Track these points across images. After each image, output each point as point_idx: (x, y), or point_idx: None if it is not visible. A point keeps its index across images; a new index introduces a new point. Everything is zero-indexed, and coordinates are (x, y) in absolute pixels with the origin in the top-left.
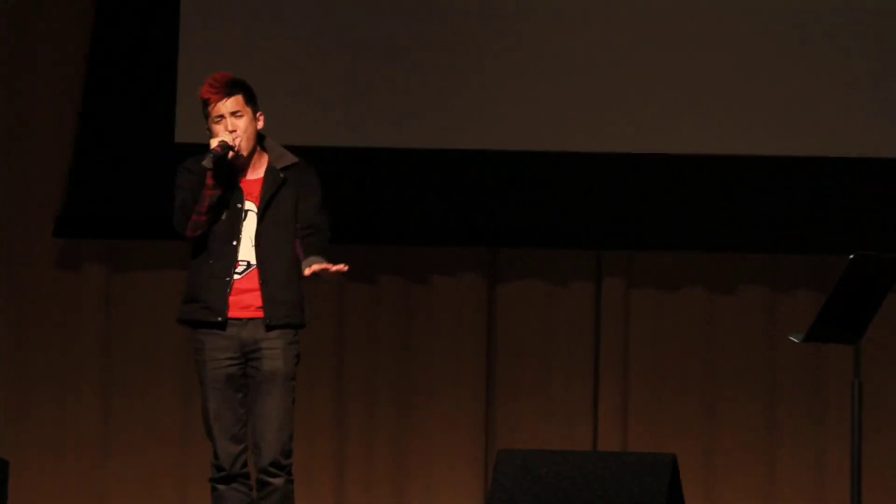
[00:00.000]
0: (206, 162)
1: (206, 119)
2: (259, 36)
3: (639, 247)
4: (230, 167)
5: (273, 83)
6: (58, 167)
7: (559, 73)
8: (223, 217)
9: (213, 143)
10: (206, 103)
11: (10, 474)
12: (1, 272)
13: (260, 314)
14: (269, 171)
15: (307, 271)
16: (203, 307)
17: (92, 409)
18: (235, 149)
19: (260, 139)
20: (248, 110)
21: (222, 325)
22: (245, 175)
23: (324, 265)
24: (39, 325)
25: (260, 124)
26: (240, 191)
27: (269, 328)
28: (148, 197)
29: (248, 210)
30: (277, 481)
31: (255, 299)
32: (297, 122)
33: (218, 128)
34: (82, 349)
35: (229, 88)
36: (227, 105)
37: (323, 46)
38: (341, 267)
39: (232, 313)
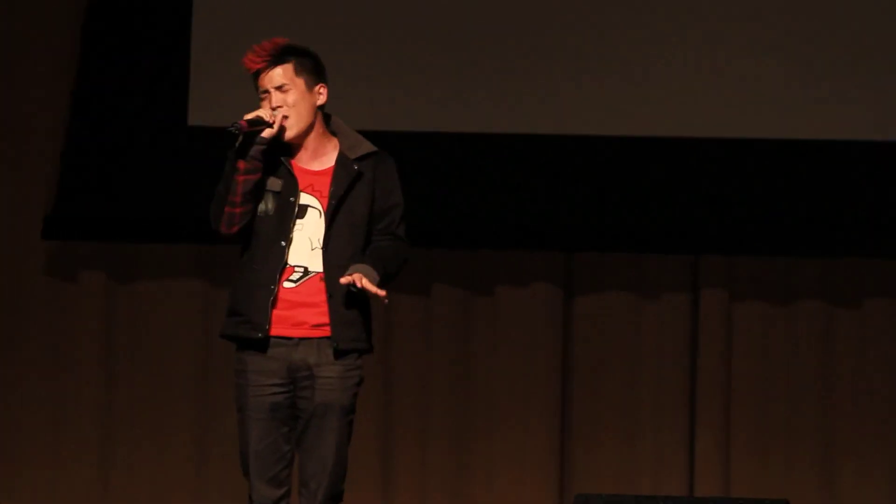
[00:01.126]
0: (236, 142)
1: (256, 93)
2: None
3: (743, 251)
4: (279, 147)
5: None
6: (47, 157)
7: (648, 52)
8: (270, 212)
9: (246, 116)
10: (252, 76)
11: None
12: None
13: (316, 333)
14: (341, 161)
15: (343, 279)
16: (243, 321)
17: (90, 442)
18: (274, 126)
19: (326, 119)
20: (300, 82)
21: (263, 344)
22: (302, 161)
23: (361, 280)
24: (29, 342)
25: (321, 99)
26: (293, 180)
27: (335, 353)
28: (155, 190)
29: (307, 206)
30: None
31: (311, 315)
32: (331, 104)
33: (264, 103)
34: (79, 370)
35: (276, 57)
36: (273, 77)
37: (360, 21)
38: (380, 293)
39: (280, 331)
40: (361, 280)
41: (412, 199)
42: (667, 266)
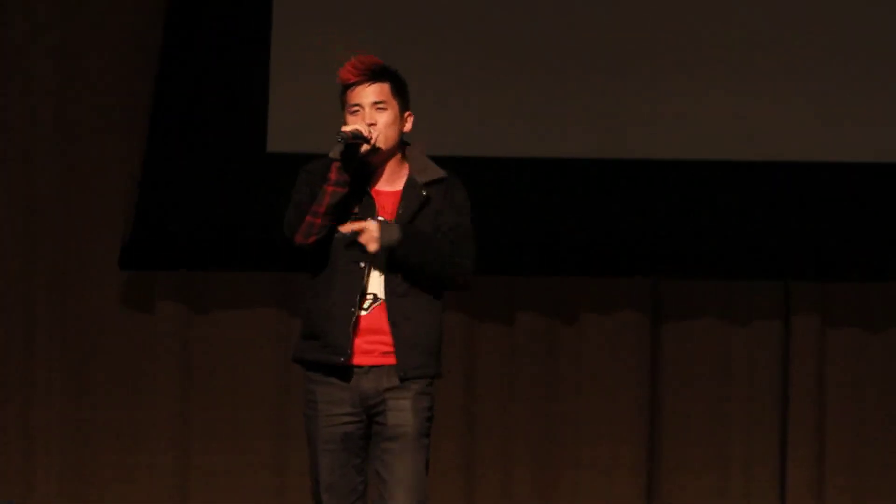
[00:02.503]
0: (333, 151)
1: (342, 108)
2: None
3: (836, 277)
4: (360, 167)
5: None
6: (124, 185)
7: (733, 76)
8: (350, 234)
9: (345, 129)
10: (344, 88)
11: None
12: (58, 312)
13: (385, 361)
14: (410, 184)
15: (346, 226)
16: (323, 345)
17: (167, 477)
18: (371, 142)
19: (402, 146)
20: (395, 104)
21: (344, 372)
22: (379, 185)
23: (364, 227)
24: (104, 377)
25: (407, 126)
26: (371, 202)
27: (401, 379)
28: (232, 219)
29: None
30: None
31: (381, 343)
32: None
33: (353, 119)
34: (156, 404)
35: (375, 74)
36: (369, 93)
37: (439, 47)
38: (356, 226)
39: (354, 359)
40: (365, 228)
41: (494, 225)
42: (757, 292)
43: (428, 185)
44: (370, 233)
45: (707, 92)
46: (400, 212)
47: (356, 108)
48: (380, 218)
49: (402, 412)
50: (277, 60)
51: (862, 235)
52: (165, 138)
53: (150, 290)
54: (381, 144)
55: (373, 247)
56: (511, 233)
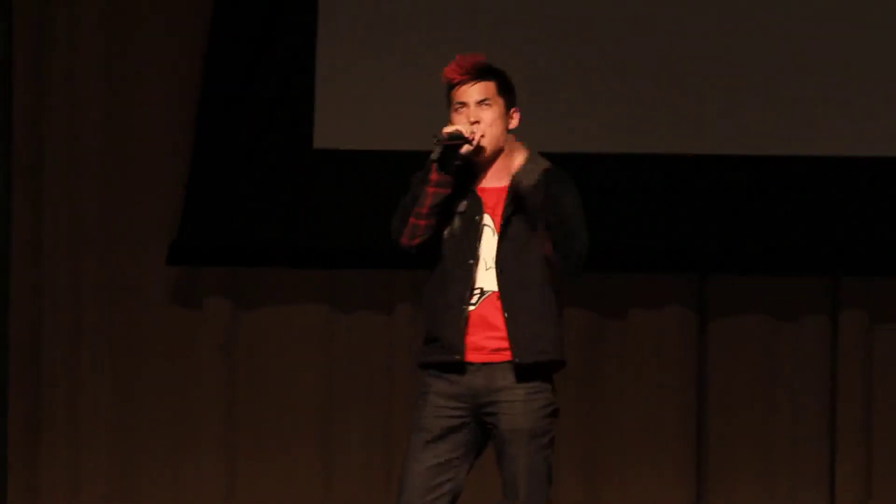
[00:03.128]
0: (434, 153)
1: (447, 106)
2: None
3: (884, 272)
4: (466, 167)
5: (433, 71)
6: (172, 182)
7: (785, 71)
8: (457, 230)
9: (446, 130)
10: (449, 86)
11: None
12: (106, 308)
13: (496, 358)
14: (516, 180)
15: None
16: (439, 346)
17: (214, 474)
18: (473, 142)
19: (509, 142)
20: (500, 101)
21: (459, 368)
22: (483, 181)
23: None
24: (151, 373)
25: (513, 123)
26: (478, 200)
27: (517, 369)
28: (282, 215)
29: (486, 225)
30: None
31: (490, 340)
32: None
33: (458, 117)
34: (202, 400)
35: (480, 73)
36: (474, 91)
37: (486, 40)
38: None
39: (467, 356)
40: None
41: None
42: (804, 288)
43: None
44: (524, 171)
45: (753, 87)
46: (504, 208)
47: (460, 106)
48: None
49: (514, 414)
50: (324, 56)
51: None
52: (213, 135)
53: (198, 286)
54: (486, 144)
55: (529, 181)
56: None
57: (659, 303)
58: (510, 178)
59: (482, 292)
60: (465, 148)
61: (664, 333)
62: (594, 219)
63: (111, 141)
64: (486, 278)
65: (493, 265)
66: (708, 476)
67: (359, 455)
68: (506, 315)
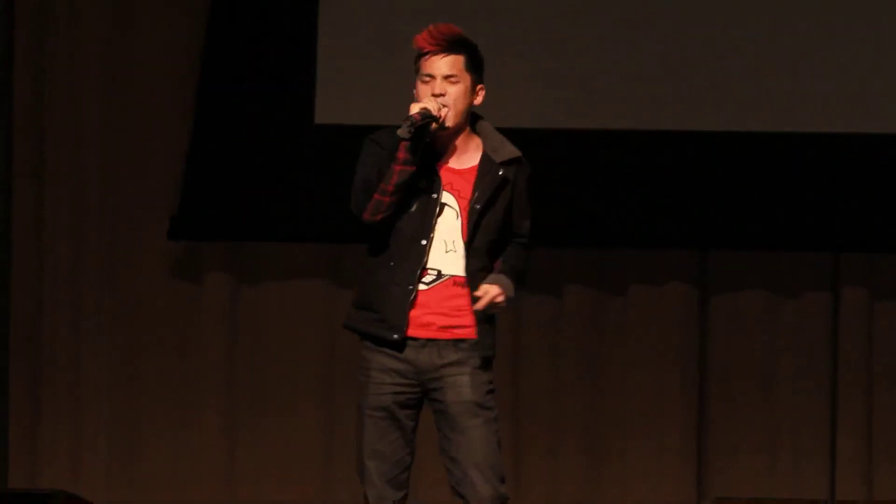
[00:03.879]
0: (402, 131)
1: (414, 73)
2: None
3: (885, 248)
4: (429, 144)
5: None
6: (173, 156)
7: (782, 48)
8: (412, 208)
9: (414, 108)
10: (418, 54)
11: None
12: (108, 283)
13: (443, 335)
14: (486, 163)
15: (479, 304)
16: (378, 319)
17: (216, 441)
18: (440, 120)
19: (473, 119)
20: (468, 77)
21: (398, 346)
22: (443, 158)
23: (490, 299)
24: (154, 346)
25: (478, 100)
26: (437, 177)
27: (483, 361)
28: (283, 189)
29: (445, 204)
30: None
31: (439, 318)
32: None
33: (424, 88)
34: (204, 372)
35: (451, 45)
36: (442, 65)
37: (483, 18)
38: (498, 300)
39: (409, 331)
40: (493, 298)
41: (544, 197)
42: (805, 264)
43: (504, 164)
44: (497, 298)
45: (754, 64)
46: (477, 193)
47: (428, 77)
48: (491, 279)
49: (462, 387)
50: (325, 32)
51: None
52: (213, 111)
53: (199, 261)
54: (450, 122)
55: (501, 303)
56: (558, 205)
57: (660, 279)
58: (483, 293)
59: (439, 274)
60: (434, 126)
61: (666, 309)
62: (595, 196)
63: (112, 117)
64: (446, 261)
65: (456, 249)
66: (709, 450)
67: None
68: (473, 302)
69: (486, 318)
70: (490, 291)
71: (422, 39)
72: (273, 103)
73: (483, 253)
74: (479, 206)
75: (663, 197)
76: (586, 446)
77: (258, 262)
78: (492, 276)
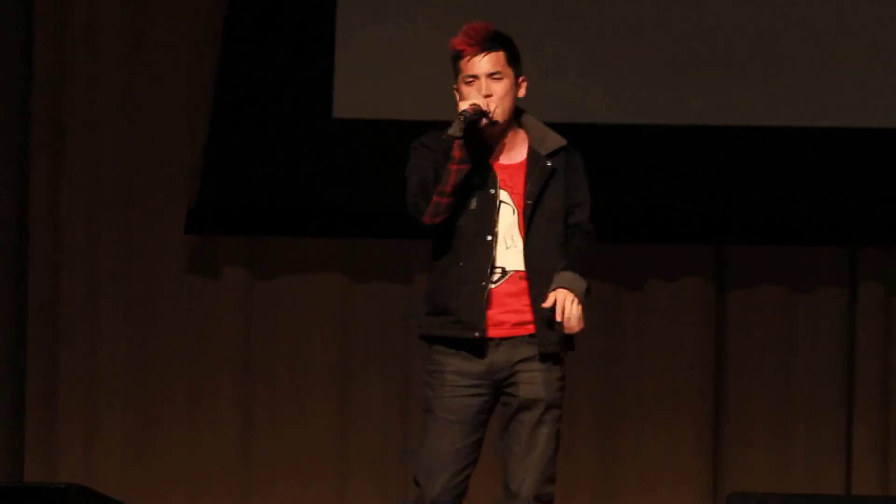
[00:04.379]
0: (454, 129)
1: (454, 76)
2: None
3: None
4: (480, 140)
5: (444, 44)
6: (189, 149)
7: (795, 43)
8: (472, 206)
9: (464, 104)
10: (457, 56)
11: None
12: (124, 276)
13: (517, 332)
14: (533, 156)
15: (548, 301)
16: (453, 322)
17: (230, 436)
18: (490, 116)
19: (517, 113)
20: (510, 72)
21: (477, 346)
22: (495, 155)
23: (562, 307)
24: (169, 339)
25: (521, 92)
26: (492, 173)
27: (542, 357)
28: (299, 183)
29: (503, 202)
30: None
31: (512, 315)
32: None
33: (468, 90)
34: (219, 367)
35: (489, 43)
36: (484, 63)
37: (503, 11)
38: (575, 326)
39: (487, 331)
40: (564, 306)
41: None
42: (822, 259)
43: (550, 155)
44: (571, 309)
45: (770, 58)
46: (529, 187)
47: (471, 78)
48: (559, 281)
49: (534, 384)
50: (343, 26)
51: None
52: (231, 105)
53: (215, 255)
54: (499, 117)
55: (577, 324)
56: None
57: (677, 273)
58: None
59: (504, 272)
60: (483, 122)
61: (682, 303)
62: (612, 191)
63: (130, 113)
64: (508, 257)
65: (515, 245)
66: (725, 443)
67: (376, 416)
68: (532, 299)
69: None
70: (557, 298)
71: (459, 42)
72: (291, 98)
73: (541, 246)
74: (531, 201)
75: (680, 191)
76: (603, 437)
77: (274, 256)
78: (556, 278)
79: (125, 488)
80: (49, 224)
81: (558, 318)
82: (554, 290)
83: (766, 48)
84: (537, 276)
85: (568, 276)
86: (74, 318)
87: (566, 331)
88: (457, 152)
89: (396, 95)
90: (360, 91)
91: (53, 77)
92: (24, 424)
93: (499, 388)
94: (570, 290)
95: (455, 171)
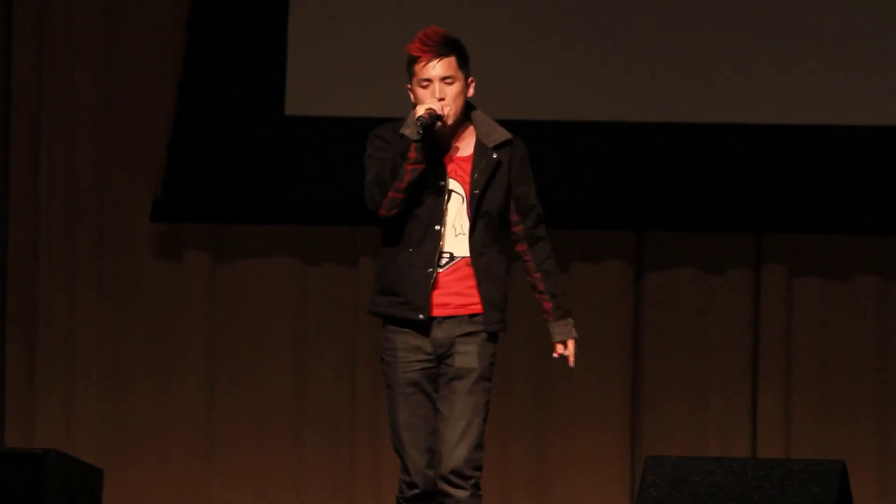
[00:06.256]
0: (411, 132)
1: (409, 77)
2: None
3: (802, 229)
4: (433, 139)
5: (396, 43)
6: (155, 144)
7: (717, 42)
8: (423, 197)
9: (420, 109)
10: (412, 61)
11: (106, 480)
12: (94, 261)
13: (459, 312)
14: (480, 149)
15: (557, 351)
16: (402, 302)
17: (196, 408)
18: (444, 119)
19: (466, 108)
20: (461, 75)
21: (423, 325)
22: (448, 150)
23: (570, 355)
24: (138, 320)
25: (471, 92)
26: (442, 167)
27: (491, 335)
28: (256, 176)
29: (452, 191)
30: (459, 493)
31: (456, 297)
32: None
33: (424, 93)
34: (185, 346)
35: (442, 48)
36: (438, 68)
37: (441, 11)
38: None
39: (431, 311)
40: (569, 356)
41: None
42: (731, 244)
43: (496, 147)
44: (572, 354)
45: (682, 57)
46: (476, 178)
47: (426, 82)
48: (565, 332)
49: (469, 356)
50: (295, 27)
51: (829, 187)
52: (192, 103)
53: (179, 241)
54: (452, 119)
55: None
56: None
57: (600, 256)
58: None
59: (452, 257)
60: (438, 125)
61: (605, 283)
62: (546, 181)
63: (101, 112)
64: (456, 244)
65: (464, 232)
66: (644, 407)
67: (327, 394)
68: (478, 281)
69: (497, 288)
70: (569, 348)
71: (414, 48)
72: (246, 97)
73: (485, 233)
74: (477, 191)
75: (602, 183)
76: (533, 405)
77: (234, 242)
78: (558, 328)
79: (99, 452)
80: (29, 213)
81: (571, 364)
82: (562, 341)
83: (688, 45)
84: (482, 260)
85: (568, 325)
86: (52, 298)
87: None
88: (412, 153)
89: (344, 94)
90: (310, 90)
91: (32, 81)
92: (4, 396)
93: (439, 359)
94: (574, 339)
95: (410, 171)
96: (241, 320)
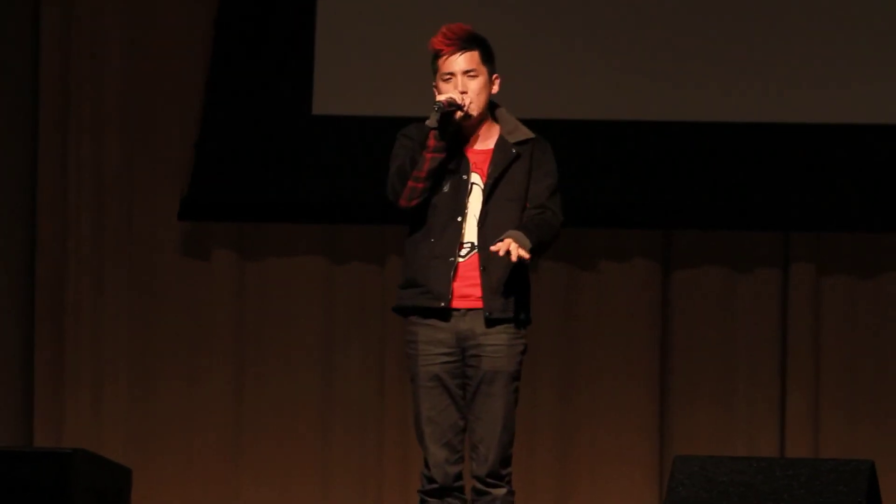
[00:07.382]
0: (430, 120)
1: (433, 74)
2: None
3: (830, 228)
4: (456, 131)
5: (423, 42)
6: (183, 143)
7: (758, 41)
8: (445, 189)
9: (440, 98)
10: (435, 56)
11: (134, 481)
12: (122, 260)
13: (480, 304)
14: (500, 143)
15: (493, 247)
16: (423, 292)
17: (224, 407)
18: (464, 109)
19: (492, 107)
20: (484, 70)
21: (444, 314)
22: (471, 145)
23: (510, 245)
24: (165, 319)
25: (495, 88)
26: (466, 160)
27: (488, 322)
28: (283, 174)
29: (473, 184)
30: (497, 492)
31: (476, 288)
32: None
33: (446, 86)
34: (212, 344)
35: (465, 43)
36: (461, 62)
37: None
38: (525, 255)
39: (453, 302)
40: (510, 245)
41: None
42: (759, 242)
43: (517, 144)
44: (515, 246)
45: (715, 56)
46: (491, 168)
47: (448, 76)
48: (508, 232)
49: (497, 357)
50: (323, 26)
51: (857, 187)
52: (220, 102)
53: (207, 239)
54: (473, 111)
55: (523, 253)
56: None
57: (628, 255)
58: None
59: (473, 246)
60: (458, 114)
61: (632, 282)
62: (571, 180)
63: (129, 111)
64: (476, 234)
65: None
66: (672, 406)
67: (352, 391)
68: (482, 268)
69: (509, 276)
70: (503, 244)
71: (437, 41)
72: (274, 95)
73: (498, 223)
74: (491, 181)
75: (631, 181)
76: (560, 406)
77: (261, 241)
78: (506, 233)
79: (127, 449)
80: (57, 212)
81: (501, 254)
82: (502, 239)
83: (710, 47)
84: (487, 250)
85: (514, 232)
86: (80, 297)
87: (512, 258)
88: (431, 141)
89: (371, 93)
90: (337, 89)
91: (60, 79)
92: (33, 394)
93: (466, 356)
94: (515, 239)
95: (430, 159)
96: (269, 319)
